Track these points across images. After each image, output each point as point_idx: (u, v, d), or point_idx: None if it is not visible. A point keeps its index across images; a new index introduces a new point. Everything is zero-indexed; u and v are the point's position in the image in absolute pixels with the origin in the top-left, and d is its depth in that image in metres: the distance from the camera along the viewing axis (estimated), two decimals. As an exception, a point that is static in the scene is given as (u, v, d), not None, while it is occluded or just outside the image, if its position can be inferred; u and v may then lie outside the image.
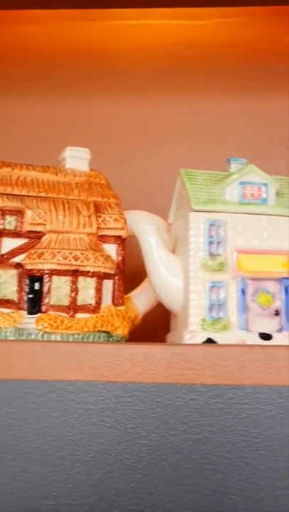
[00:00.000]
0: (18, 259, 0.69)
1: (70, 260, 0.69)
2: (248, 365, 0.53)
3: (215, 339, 0.67)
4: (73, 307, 0.70)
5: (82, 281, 0.70)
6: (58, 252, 0.69)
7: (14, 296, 0.68)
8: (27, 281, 0.68)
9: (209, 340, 0.67)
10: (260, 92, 0.94)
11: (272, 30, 0.94)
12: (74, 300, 0.70)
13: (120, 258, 0.72)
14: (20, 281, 0.69)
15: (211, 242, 0.68)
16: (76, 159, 0.76)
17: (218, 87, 0.95)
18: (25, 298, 0.68)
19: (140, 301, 0.76)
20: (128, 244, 0.72)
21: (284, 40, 0.95)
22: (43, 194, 0.71)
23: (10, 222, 0.69)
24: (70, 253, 0.70)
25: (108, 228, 0.72)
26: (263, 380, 0.53)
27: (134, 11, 0.95)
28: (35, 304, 0.68)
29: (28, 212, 0.69)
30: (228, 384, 0.52)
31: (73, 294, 0.70)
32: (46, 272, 0.68)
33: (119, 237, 0.73)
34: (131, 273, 0.74)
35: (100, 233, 0.72)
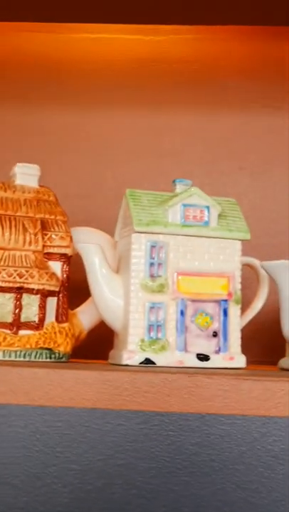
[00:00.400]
0: None
1: (14, 277, 0.70)
2: (175, 392, 0.54)
3: (153, 359, 0.68)
4: (16, 324, 0.71)
5: (26, 298, 0.71)
6: (3, 270, 0.70)
7: None
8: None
9: (148, 361, 0.68)
10: (217, 107, 0.96)
11: (227, 47, 0.95)
12: (17, 317, 0.71)
13: (65, 276, 0.73)
14: None
15: (151, 264, 0.69)
16: (26, 175, 0.76)
17: (175, 101, 0.96)
18: None
19: (85, 317, 0.77)
20: (77, 259, 0.73)
21: (238, 56, 0.96)
22: (-10, 211, 0.72)
23: None
24: (15, 270, 0.70)
25: (54, 246, 0.73)
26: (188, 408, 0.54)
27: (94, 25, 0.95)
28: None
29: (-26, 230, 0.70)
30: (154, 410, 0.53)
31: (17, 311, 0.71)
32: (-10, 289, 0.69)
33: (64, 255, 0.73)
34: (78, 288, 0.75)
35: (46, 251, 0.73)
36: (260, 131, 0.95)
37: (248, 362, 0.70)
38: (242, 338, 0.74)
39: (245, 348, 0.84)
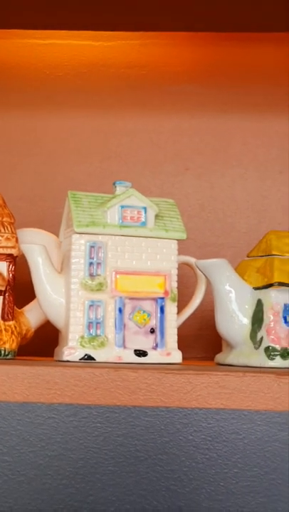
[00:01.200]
0: None
1: None
2: (102, 386, 0.57)
3: (93, 355, 0.71)
4: None
5: (-28, 297, 0.74)
6: None
7: None
8: None
9: (88, 357, 0.71)
10: (164, 110, 0.99)
11: (174, 52, 0.98)
12: None
13: (11, 275, 0.76)
14: None
15: (91, 263, 0.72)
16: (-26, 178, 0.79)
17: (124, 105, 0.98)
18: None
19: (33, 315, 0.79)
20: (24, 258, 0.75)
21: (185, 61, 0.99)
22: None
23: None
24: None
25: (0, 247, 0.76)
26: (114, 401, 0.57)
27: (45, 32, 0.98)
28: None
29: None
30: (82, 403, 0.56)
31: None
32: None
33: (10, 255, 0.76)
34: (29, 288, 0.77)
35: (-8, 251, 0.75)
36: (206, 132, 0.98)
37: (196, 358, 0.73)
38: (189, 335, 0.77)
39: (193, 345, 0.87)
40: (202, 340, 0.84)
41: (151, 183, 0.97)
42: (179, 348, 0.75)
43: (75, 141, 0.98)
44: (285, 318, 0.71)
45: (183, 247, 0.96)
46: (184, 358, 0.74)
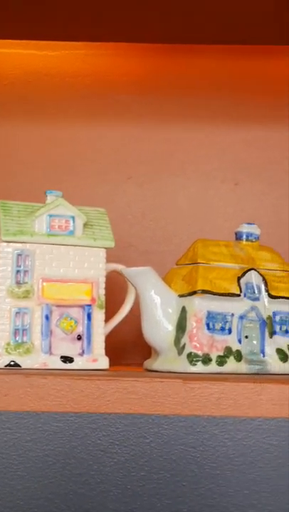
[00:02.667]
0: None
1: None
2: (12, 392, 0.58)
3: (18, 362, 0.72)
4: None
5: None
6: None
7: None
8: None
9: (13, 363, 0.72)
10: (108, 119, 1.00)
11: (118, 62, 1.00)
12: None
13: None
14: None
15: (18, 271, 0.73)
16: None
17: (68, 114, 1.00)
18: None
19: None
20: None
21: (129, 71, 1.00)
22: None
23: None
24: None
25: None
26: (24, 407, 0.58)
27: (-13, 40, 0.99)
28: None
29: None
30: (-7, 409, 0.57)
31: None
32: None
33: None
34: None
35: None
36: (149, 142, 0.99)
37: (135, 364, 0.74)
38: (128, 341, 0.78)
39: (132, 351, 0.88)
40: (140, 347, 0.85)
41: (94, 192, 0.98)
42: (118, 354, 0.76)
43: (18, 150, 0.99)
44: (207, 325, 0.72)
45: (124, 255, 0.98)
46: (122, 364, 0.75)
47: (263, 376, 0.70)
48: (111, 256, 0.89)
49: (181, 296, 0.73)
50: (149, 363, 0.76)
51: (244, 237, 0.79)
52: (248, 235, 0.79)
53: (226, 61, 1.00)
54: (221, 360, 0.72)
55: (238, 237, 0.79)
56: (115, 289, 0.83)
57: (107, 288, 0.78)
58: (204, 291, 0.72)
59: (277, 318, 0.75)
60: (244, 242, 0.79)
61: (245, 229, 0.79)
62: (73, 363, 0.73)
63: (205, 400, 0.58)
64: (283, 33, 0.94)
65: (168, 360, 0.73)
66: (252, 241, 0.79)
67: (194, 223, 0.98)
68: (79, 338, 0.74)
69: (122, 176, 0.99)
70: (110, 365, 0.74)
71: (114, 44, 0.99)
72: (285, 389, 0.58)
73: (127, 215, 0.98)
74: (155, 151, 0.99)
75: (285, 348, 0.75)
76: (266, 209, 0.99)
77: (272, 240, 0.97)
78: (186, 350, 0.71)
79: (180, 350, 0.72)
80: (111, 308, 0.81)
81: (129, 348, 0.89)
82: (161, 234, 0.98)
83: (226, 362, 0.72)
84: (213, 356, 0.72)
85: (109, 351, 0.77)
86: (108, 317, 0.80)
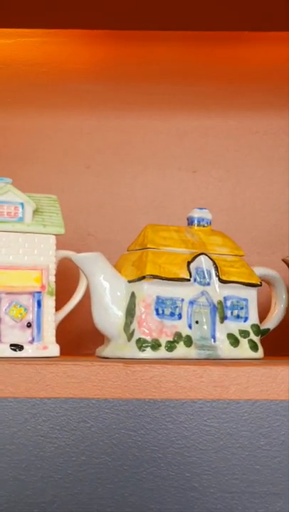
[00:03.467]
0: None
1: None
2: None
3: None
4: None
5: None
6: None
7: None
8: None
9: None
10: (64, 108, 0.99)
11: (75, 50, 0.99)
12: None
13: None
14: None
15: None
16: None
17: (24, 103, 0.99)
18: None
19: None
20: None
21: (86, 59, 0.99)
22: None
23: None
24: None
25: None
26: None
27: None
28: None
29: None
30: None
31: None
32: None
33: None
34: None
35: None
36: (106, 131, 0.99)
37: (92, 354, 0.74)
38: (87, 331, 0.77)
39: (91, 341, 0.87)
40: (101, 336, 0.84)
41: (52, 182, 0.98)
42: (81, 342, 0.75)
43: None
44: (157, 310, 0.72)
45: (83, 244, 0.97)
46: (83, 354, 0.75)
47: (212, 361, 0.70)
48: (69, 245, 0.89)
49: (130, 281, 0.73)
50: (100, 350, 0.76)
51: (195, 222, 0.78)
52: (200, 220, 0.78)
53: (185, 48, 1.00)
54: (171, 346, 0.71)
55: (190, 222, 0.79)
56: (69, 277, 0.83)
57: (60, 276, 0.78)
58: (153, 276, 0.71)
59: (229, 303, 0.75)
60: (195, 227, 0.78)
61: (196, 214, 0.79)
62: (23, 350, 0.73)
63: (146, 383, 0.57)
64: (242, 18, 0.94)
65: (118, 347, 0.73)
66: (203, 226, 0.78)
67: (152, 211, 0.97)
68: (29, 325, 0.74)
69: (79, 165, 0.99)
70: (70, 354, 0.74)
71: (72, 31, 0.98)
72: (227, 371, 0.58)
73: (85, 204, 0.98)
74: (112, 139, 0.99)
75: (236, 333, 0.75)
76: (224, 196, 0.99)
77: (230, 226, 0.98)
78: (135, 336, 0.71)
79: (129, 336, 0.72)
80: (65, 297, 0.81)
81: (89, 337, 0.89)
82: (119, 222, 0.97)
83: (175, 347, 0.71)
84: (163, 342, 0.71)
85: (68, 341, 0.76)
86: (62, 306, 0.80)
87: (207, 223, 0.79)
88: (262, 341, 0.79)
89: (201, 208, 0.79)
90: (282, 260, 0.76)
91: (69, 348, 0.79)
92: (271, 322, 0.81)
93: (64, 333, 0.75)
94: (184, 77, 1.00)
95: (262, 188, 0.99)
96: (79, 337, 0.79)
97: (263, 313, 0.81)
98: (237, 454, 0.61)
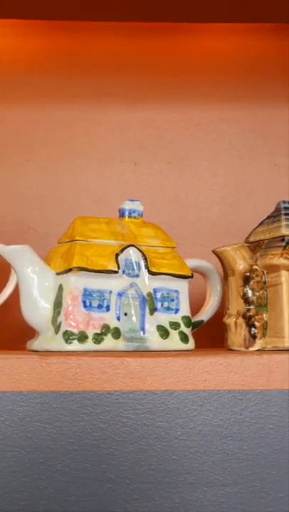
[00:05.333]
0: None
1: None
2: None
3: None
4: None
5: None
6: None
7: None
8: None
9: None
10: (4, 101, 0.98)
11: (12, 41, 0.98)
12: None
13: None
14: None
15: None
16: None
17: None
18: None
19: None
20: None
21: (25, 51, 0.98)
22: None
23: None
24: None
25: None
26: None
27: None
28: None
29: None
30: None
31: None
32: None
33: None
34: None
35: None
36: (48, 124, 0.98)
37: None
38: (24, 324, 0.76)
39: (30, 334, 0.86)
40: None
41: (-8, 174, 0.97)
42: (18, 335, 0.74)
43: None
44: (84, 302, 0.71)
45: (24, 238, 0.97)
46: (20, 348, 0.74)
47: (141, 353, 0.69)
48: (10, 239, 0.88)
49: (58, 274, 0.72)
50: (29, 344, 0.75)
51: (126, 214, 0.78)
52: (131, 211, 0.78)
53: (126, 40, 0.99)
54: (98, 338, 0.71)
55: (121, 214, 0.78)
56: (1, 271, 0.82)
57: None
58: (80, 269, 0.71)
59: (159, 294, 0.75)
60: (127, 219, 0.78)
61: (127, 206, 0.78)
62: None
63: (61, 375, 0.57)
64: (184, 9, 0.94)
65: (46, 340, 0.72)
66: (135, 218, 0.78)
67: (94, 204, 0.97)
68: None
69: (20, 159, 0.98)
70: (5, 348, 0.73)
71: (11, 21, 0.97)
72: (143, 362, 0.58)
73: (25, 197, 0.97)
74: (54, 132, 0.98)
75: (166, 325, 0.74)
76: (165, 188, 0.98)
77: (173, 218, 0.97)
78: (62, 329, 0.70)
79: (56, 328, 0.71)
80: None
81: (24, 331, 0.88)
82: (61, 216, 0.97)
83: (103, 340, 0.71)
84: (90, 334, 0.71)
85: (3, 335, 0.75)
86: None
87: (139, 215, 0.78)
88: (199, 333, 0.79)
89: (132, 200, 0.79)
90: (213, 252, 0.75)
91: (5, 342, 0.79)
92: (205, 314, 0.81)
93: None
94: (126, 69, 0.99)
95: (206, 180, 0.99)
96: (16, 330, 0.78)
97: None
98: (154, 444, 0.61)
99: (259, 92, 1.00)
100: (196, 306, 0.82)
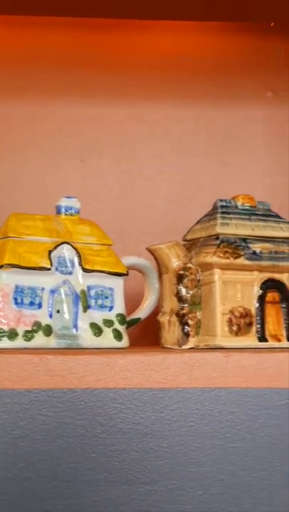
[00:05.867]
0: None
1: None
2: None
3: None
4: None
5: None
6: None
7: None
8: None
9: None
10: None
11: None
12: None
13: None
14: None
15: None
16: None
17: None
18: None
19: None
20: None
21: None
22: None
23: None
24: None
25: None
26: None
27: None
28: None
29: None
30: None
31: None
32: None
33: None
34: None
35: None
36: (-6, 118, 0.97)
37: None
38: None
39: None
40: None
41: None
42: None
43: None
44: (15, 299, 0.71)
45: None
46: None
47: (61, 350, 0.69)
48: None
49: (-10, 271, 0.72)
50: None
51: (63, 210, 0.78)
52: (67, 208, 0.78)
53: (72, 34, 0.99)
54: (29, 335, 0.70)
55: (58, 211, 0.78)
56: None
57: None
58: (11, 265, 0.70)
59: (93, 292, 0.74)
60: (63, 216, 0.77)
61: (64, 203, 0.78)
62: None
63: (-21, 372, 0.56)
64: (132, 6, 0.93)
65: (-23, 337, 0.72)
66: (71, 215, 0.78)
67: (39, 201, 0.96)
68: None
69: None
70: None
71: None
72: (64, 360, 0.57)
73: None
74: (-2, 127, 0.98)
75: (99, 323, 0.74)
76: (112, 185, 0.98)
77: (119, 215, 0.97)
78: (-8, 326, 0.70)
79: (-13, 326, 0.71)
80: None
81: None
82: (3, 213, 0.96)
83: (33, 337, 0.70)
84: (20, 331, 0.70)
85: None
86: None
87: (75, 212, 0.78)
88: (138, 331, 0.79)
89: (68, 197, 0.78)
90: (147, 249, 0.75)
91: None
92: (142, 312, 0.81)
93: None
94: (73, 64, 0.99)
95: (152, 177, 0.99)
96: None
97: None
98: (73, 443, 0.60)
99: (207, 90, 0.99)
100: (137, 304, 0.82)
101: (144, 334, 0.79)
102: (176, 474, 0.58)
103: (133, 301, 0.82)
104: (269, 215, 0.78)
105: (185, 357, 0.60)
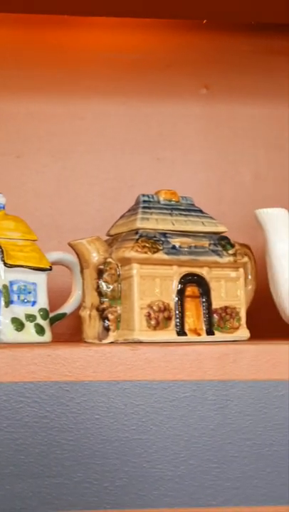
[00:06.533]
0: None
1: None
2: None
3: None
4: None
5: None
6: None
7: None
8: None
9: None
10: None
11: None
12: None
13: None
14: None
15: None
16: None
17: None
18: None
19: None
20: None
21: None
22: None
23: None
24: None
25: None
26: None
27: None
28: None
29: None
30: None
31: None
32: None
33: None
34: None
35: None
36: None
37: None
38: None
39: None
40: None
41: None
42: None
43: None
44: None
45: None
46: None
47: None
48: None
49: None
50: None
51: (-13, 206, 0.78)
52: (-8, 204, 0.78)
53: (7, 31, 0.99)
54: None
55: (-18, 206, 0.78)
56: None
57: None
58: None
59: (15, 287, 0.75)
60: (-13, 212, 0.78)
61: (-12, 198, 0.78)
62: None
63: None
64: (81, 3, 0.93)
65: None
66: (-4, 210, 0.78)
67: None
68: None
69: None
70: None
71: None
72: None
73: None
74: None
75: (21, 317, 0.74)
76: (49, 181, 0.99)
77: (55, 212, 0.98)
78: None
79: None
80: None
81: None
82: None
83: None
84: None
85: None
86: None
87: (0, 207, 0.78)
88: (66, 326, 0.80)
89: (-6, 193, 0.79)
90: (68, 244, 0.76)
91: None
92: (68, 307, 0.81)
93: None
94: (9, 60, 0.99)
95: (88, 174, 1.00)
96: None
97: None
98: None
99: (142, 86, 1.00)
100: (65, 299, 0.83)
101: (70, 329, 0.80)
102: (81, 467, 0.58)
103: (61, 296, 0.83)
104: (191, 209, 0.78)
105: (92, 351, 0.61)
